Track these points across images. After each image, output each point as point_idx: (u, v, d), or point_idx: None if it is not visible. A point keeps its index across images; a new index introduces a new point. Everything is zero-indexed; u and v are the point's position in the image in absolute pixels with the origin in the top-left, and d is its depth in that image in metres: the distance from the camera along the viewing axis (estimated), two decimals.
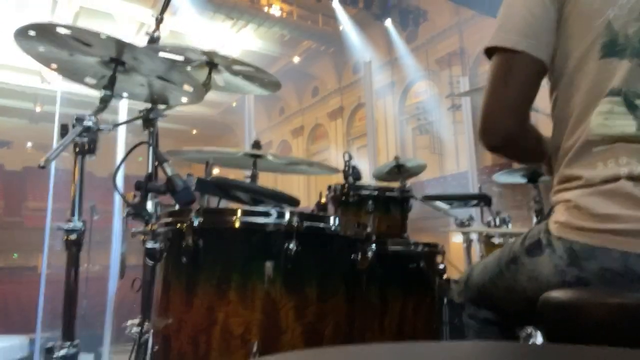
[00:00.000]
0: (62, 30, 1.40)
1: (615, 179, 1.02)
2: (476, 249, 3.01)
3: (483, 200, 2.74)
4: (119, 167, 1.67)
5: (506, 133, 1.09)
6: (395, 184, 2.22)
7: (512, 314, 1.25)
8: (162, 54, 1.79)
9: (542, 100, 1.23)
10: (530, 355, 0.62)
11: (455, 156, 15.44)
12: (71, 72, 1.68)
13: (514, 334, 1.40)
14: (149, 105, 1.85)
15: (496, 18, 1.14)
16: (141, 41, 1.80)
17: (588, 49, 1.07)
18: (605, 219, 1.01)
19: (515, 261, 1.16)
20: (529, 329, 2.15)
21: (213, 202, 1.61)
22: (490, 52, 1.11)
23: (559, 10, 1.09)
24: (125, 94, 1.76)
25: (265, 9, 16.20)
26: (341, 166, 2.24)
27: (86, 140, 1.36)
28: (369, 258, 1.31)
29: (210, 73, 1.99)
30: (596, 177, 1.04)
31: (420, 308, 1.86)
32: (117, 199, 4.78)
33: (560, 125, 1.14)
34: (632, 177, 1.01)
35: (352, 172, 2.19)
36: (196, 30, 14.00)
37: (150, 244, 1.31)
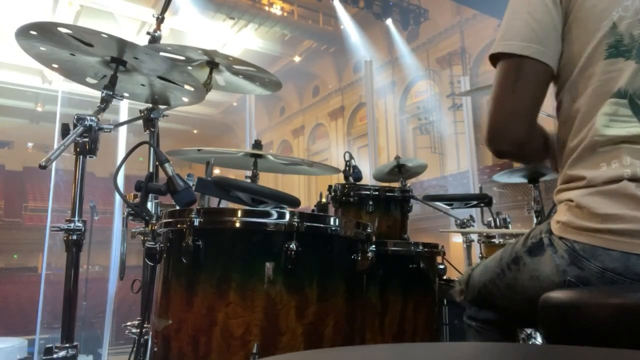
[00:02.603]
0: (63, 30, 1.40)
1: (618, 179, 1.02)
2: (476, 249, 3.01)
3: (483, 200, 2.73)
4: (119, 168, 1.66)
5: (515, 139, 1.09)
6: (396, 184, 2.22)
7: (513, 314, 1.25)
8: (163, 54, 1.79)
9: (545, 100, 1.23)
10: (530, 356, 0.62)
11: (455, 156, 15.43)
12: (72, 72, 1.68)
13: (514, 336, 1.40)
14: (149, 105, 1.86)
15: (500, 25, 1.14)
16: (142, 41, 1.80)
17: (594, 50, 1.07)
18: (607, 219, 1.01)
19: (517, 261, 1.16)
20: (529, 330, 2.14)
21: (213, 202, 1.61)
22: (495, 58, 1.11)
23: (565, 15, 1.09)
24: (126, 94, 1.76)
25: (266, 8, 16.21)
26: (342, 166, 2.24)
27: (87, 141, 1.36)
28: (369, 258, 1.30)
29: (211, 73, 1.99)
30: (599, 177, 1.04)
31: (420, 308, 1.85)
32: (118, 200, 4.77)
33: (565, 126, 1.14)
34: (634, 178, 1.01)
35: (352, 172, 2.20)
36: (197, 29, 14.01)
37: (150, 244, 1.31)
